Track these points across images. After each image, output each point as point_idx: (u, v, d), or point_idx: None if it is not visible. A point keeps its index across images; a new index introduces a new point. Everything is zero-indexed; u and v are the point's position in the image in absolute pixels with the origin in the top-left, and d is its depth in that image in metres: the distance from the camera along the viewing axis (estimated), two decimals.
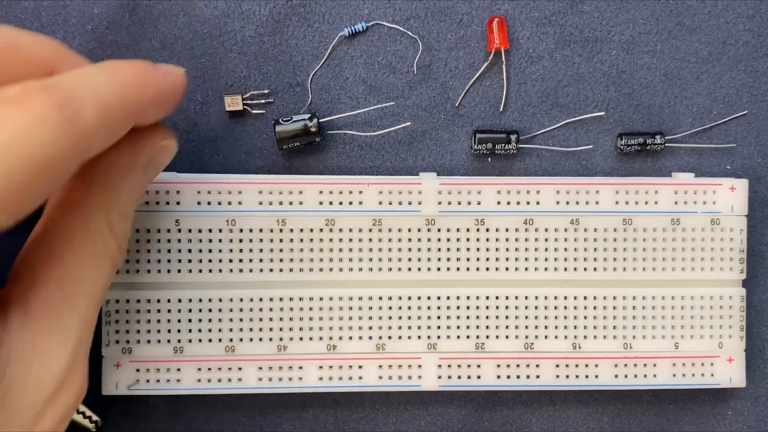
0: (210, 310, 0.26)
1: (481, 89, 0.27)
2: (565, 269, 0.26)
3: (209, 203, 0.25)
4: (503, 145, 0.27)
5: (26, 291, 0.19)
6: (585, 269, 0.26)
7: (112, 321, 0.25)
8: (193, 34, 0.27)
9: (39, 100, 0.16)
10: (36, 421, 0.18)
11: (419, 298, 0.26)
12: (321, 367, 0.26)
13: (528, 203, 0.26)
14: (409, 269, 0.26)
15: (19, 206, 0.16)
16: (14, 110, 0.15)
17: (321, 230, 0.26)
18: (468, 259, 0.26)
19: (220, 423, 0.27)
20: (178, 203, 0.25)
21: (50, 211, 0.20)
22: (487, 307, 0.26)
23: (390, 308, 0.26)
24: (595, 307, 0.26)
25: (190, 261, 0.25)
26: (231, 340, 0.26)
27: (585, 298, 0.26)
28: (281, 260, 0.26)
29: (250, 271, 0.26)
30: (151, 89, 0.19)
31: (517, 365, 0.26)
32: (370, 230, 0.26)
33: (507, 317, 0.26)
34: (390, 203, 0.26)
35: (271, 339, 0.26)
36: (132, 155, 0.20)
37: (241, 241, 0.26)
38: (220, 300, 0.26)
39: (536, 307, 0.26)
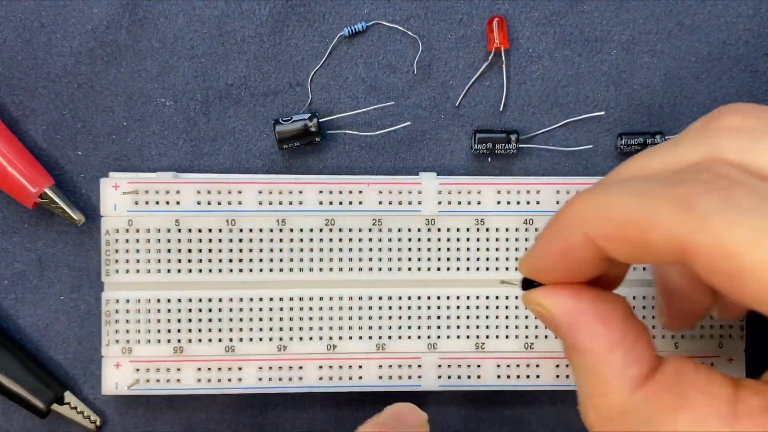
0: (210, 310, 0.26)
1: (481, 89, 0.27)
2: None
3: (209, 203, 0.25)
4: (503, 144, 0.27)
5: None
6: None
7: (112, 321, 0.25)
8: (193, 34, 0.27)
9: None
10: None
11: (419, 298, 0.26)
12: (321, 367, 0.26)
13: (528, 203, 0.26)
14: (409, 269, 0.26)
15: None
16: None
17: (321, 230, 0.26)
18: (468, 259, 0.26)
19: (220, 423, 0.27)
20: (178, 203, 0.25)
21: None
22: (487, 307, 0.26)
23: (390, 308, 0.26)
24: None
25: (190, 261, 0.25)
26: (231, 340, 0.26)
27: None
28: (281, 260, 0.26)
29: (250, 271, 0.26)
30: None
31: (517, 365, 0.26)
32: (370, 230, 0.26)
33: (507, 317, 0.26)
34: (390, 203, 0.26)
35: (271, 339, 0.26)
36: None
37: (241, 241, 0.26)
38: (220, 300, 0.26)
39: None
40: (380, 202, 0.26)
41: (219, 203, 0.25)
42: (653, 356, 0.17)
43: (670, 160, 0.16)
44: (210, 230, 0.25)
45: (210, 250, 0.25)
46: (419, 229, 0.26)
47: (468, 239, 0.26)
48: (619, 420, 0.16)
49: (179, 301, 0.25)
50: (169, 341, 0.26)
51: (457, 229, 0.26)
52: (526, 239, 0.26)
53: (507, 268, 0.26)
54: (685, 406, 0.15)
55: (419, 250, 0.26)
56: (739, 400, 0.15)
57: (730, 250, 0.14)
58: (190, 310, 0.26)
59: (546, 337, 0.26)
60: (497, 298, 0.26)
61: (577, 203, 0.17)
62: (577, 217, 0.16)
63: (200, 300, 0.26)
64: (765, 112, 0.16)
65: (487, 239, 0.26)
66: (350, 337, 0.26)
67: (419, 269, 0.26)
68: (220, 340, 0.26)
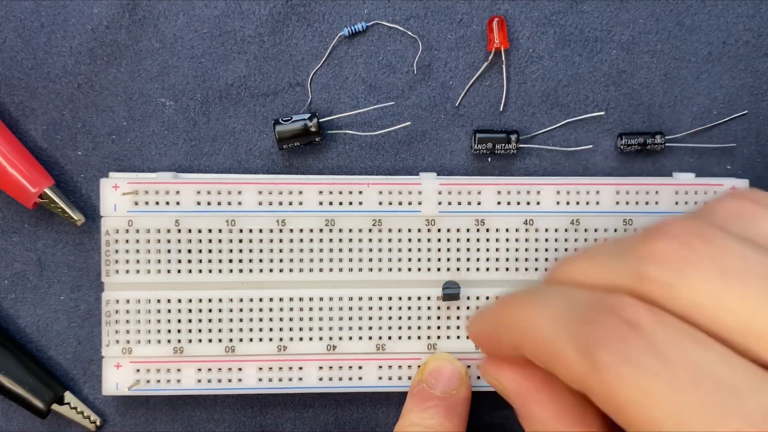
0: (210, 310, 0.26)
1: (481, 89, 0.27)
2: None
3: (209, 203, 0.25)
4: (503, 145, 0.27)
5: None
6: None
7: (112, 321, 0.25)
8: (193, 34, 0.27)
9: None
10: None
11: (419, 298, 0.26)
12: (321, 368, 0.26)
13: (528, 203, 0.26)
14: (409, 269, 0.26)
15: None
16: None
17: (321, 230, 0.26)
18: (468, 260, 0.26)
19: (220, 423, 0.27)
20: (178, 203, 0.25)
21: None
22: None
23: (390, 308, 0.26)
24: None
25: (190, 261, 0.25)
26: (231, 340, 0.26)
27: None
28: (281, 260, 0.26)
29: (250, 271, 0.26)
30: None
31: None
32: (370, 230, 0.26)
33: None
34: (390, 203, 0.26)
35: (271, 339, 0.26)
36: None
37: (241, 241, 0.26)
38: (220, 300, 0.26)
39: None
40: (380, 203, 0.26)
41: (219, 203, 0.25)
42: (602, 424, 0.17)
43: (600, 276, 0.16)
44: (210, 230, 0.25)
45: (210, 251, 0.25)
46: (419, 229, 0.26)
47: (468, 239, 0.26)
48: None
49: (179, 301, 0.25)
50: (169, 341, 0.26)
51: (457, 230, 0.26)
52: (526, 239, 0.26)
53: (507, 269, 0.26)
54: None
55: (419, 250, 0.26)
56: None
57: (619, 406, 0.14)
58: (190, 311, 0.26)
59: None
60: (497, 298, 0.26)
61: (512, 313, 0.17)
62: (508, 325, 0.17)
63: (200, 300, 0.26)
64: (697, 239, 0.15)
65: (487, 240, 0.26)
66: (350, 338, 0.26)
67: (419, 269, 0.26)
68: (220, 340, 0.26)
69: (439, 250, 0.26)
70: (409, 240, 0.26)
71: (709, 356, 0.13)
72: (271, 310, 0.26)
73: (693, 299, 0.14)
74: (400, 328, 0.26)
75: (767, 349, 0.13)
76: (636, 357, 0.14)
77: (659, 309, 0.15)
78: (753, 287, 0.14)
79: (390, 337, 0.26)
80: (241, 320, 0.26)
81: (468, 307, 0.26)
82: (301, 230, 0.26)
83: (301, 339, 0.26)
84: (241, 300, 0.26)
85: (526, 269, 0.26)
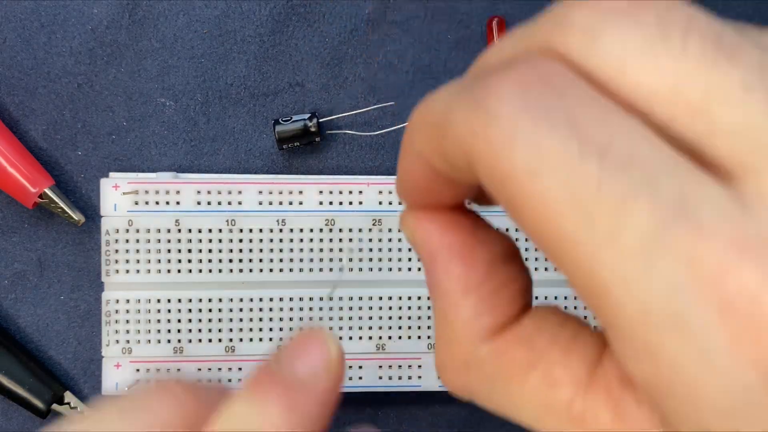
0: (210, 310, 0.26)
1: None
2: None
3: (209, 203, 0.25)
4: None
5: None
6: None
7: (112, 321, 0.25)
8: (193, 34, 0.27)
9: None
10: None
11: (419, 298, 0.26)
12: None
13: None
14: (409, 269, 0.26)
15: None
16: None
17: (321, 230, 0.26)
18: None
19: None
20: (178, 203, 0.25)
21: None
22: None
23: (390, 308, 0.26)
24: None
25: (190, 261, 0.25)
26: (231, 340, 0.26)
27: None
28: (281, 260, 0.26)
29: (250, 271, 0.26)
30: None
31: None
32: (370, 230, 0.26)
33: None
34: (390, 203, 0.26)
35: (271, 339, 0.26)
36: None
37: (241, 241, 0.26)
38: (220, 300, 0.26)
39: None
40: (380, 203, 0.26)
41: (219, 203, 0.25)
42: (518, 308, 0.14)
43: (512, 46, 0.13)
44: (210, 230, 0.25)
45: (210, 250, 0.25)
46: None
47: None
48: (461, 374, 0.14)
49: (179, 301, 0.25)
50: (169, 341, 0.26)
51: None
52: (526, 239, 0.26)
53: None
54: (537, 365, 0.13)
55: None
56: (601, 364, 0.12)
57: (508, 175, 0.11)
58: (190, 310, 0.26)
59: None
60: None
61: (415, 109, 0.13)
62: (409, 124, 0.14)
63: (200, 300, 0.26)
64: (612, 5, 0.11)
65: None
66: (350, 338, 0.26)
67: (419, 269, 0.26)
68: (220, 340, 0.26)
69: None
70: None
71: (622, 130, 0.11)
72: (271, 310, 0.26)
73: (615, 53, 0.11)
74: (400, 328, 0.26)
75: (693, 124, 0.10)
76: (540, 107, 0.11)
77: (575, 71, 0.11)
78: (696, 45, 0.10)
79: (390, 337, 0.26)
80: (241, 320, 0.26)
81: None
82: (301, 230, 0.26)
83: None
84: (241, 300, 0.26)
85: None
